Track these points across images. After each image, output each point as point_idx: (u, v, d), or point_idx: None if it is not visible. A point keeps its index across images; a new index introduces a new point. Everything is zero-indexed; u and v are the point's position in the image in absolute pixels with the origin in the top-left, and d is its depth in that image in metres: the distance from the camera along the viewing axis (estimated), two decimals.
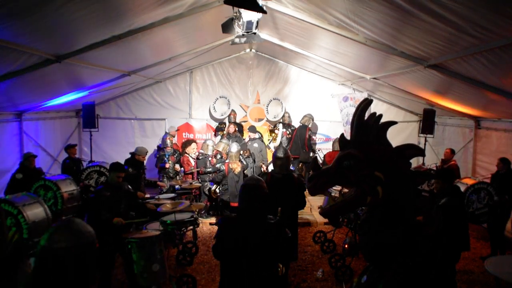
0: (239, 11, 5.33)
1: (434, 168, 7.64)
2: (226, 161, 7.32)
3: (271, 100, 10.39)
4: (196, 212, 5.92)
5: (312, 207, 8.22)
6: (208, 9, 5.60)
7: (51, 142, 8.57)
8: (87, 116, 8.41)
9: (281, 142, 9.46)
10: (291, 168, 6.24)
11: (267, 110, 10.34)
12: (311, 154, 9.48)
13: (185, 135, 10.23)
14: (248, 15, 5.23)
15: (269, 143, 10.02)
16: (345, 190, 5.39)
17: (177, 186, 7.49)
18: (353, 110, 8.52)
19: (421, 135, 8.67)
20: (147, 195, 6.78)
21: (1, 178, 6.78)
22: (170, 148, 8.14)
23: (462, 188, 5.42)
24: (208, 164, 7.90)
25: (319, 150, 9.80)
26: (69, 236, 1.60)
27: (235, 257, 2.75)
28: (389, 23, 4.57)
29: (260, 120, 10.50)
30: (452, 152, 7.56)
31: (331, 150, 8.87)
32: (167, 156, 8.02)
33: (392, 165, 2.09)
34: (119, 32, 5.15)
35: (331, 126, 10.33)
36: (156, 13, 5.03)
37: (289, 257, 3.17)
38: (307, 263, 5.85)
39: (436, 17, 3.69)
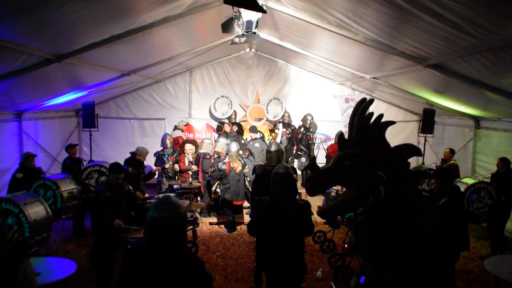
0: (238, 10, 5.33)
1: (434, 168, 7.65)
2: (226, 160, 7.32)
3: (271, 100, 10.39)
4: (198, 212, 5.91)
5: (312, 207, 8.21)
6: (208, 9, 5.59)
7: (50, 141, 8.56)
8: (87, 115, 8.40)
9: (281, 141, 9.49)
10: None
11: (267, 110, 10.34)
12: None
13: (185, 135, 10.22)
14: (248, 15, 5.23)
15: (269, 142, 10.02)
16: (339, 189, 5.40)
17: (175, 186, 7.48)
18: None
19: (421, 134, 8.67)
20: (146, 195, 6.79)
21: (0, 178, 6.78)
22: (169, 148, 8.13)
23: (462, 188, 5.42)
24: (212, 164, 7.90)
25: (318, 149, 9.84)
26: (169, 208, 2.16)
27: (269, 233, 3.35)
28: (389, 22, 4.57)
29: (260, 119, 10.50)
30: (452, 151, 7.56)
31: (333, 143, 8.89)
32: (166, 156, 8.02)
33: (392, 165, 2.09)
34: (119, 32, 5.15)
35: (331, 126, 10.33)
36: (155, 13, 5.03)
37: (312, 232, 3.79)
38: (307, 263, 5.84)
39: (436, 17, 3.69)
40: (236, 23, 5.68)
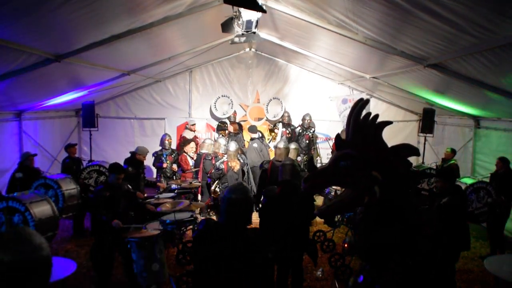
0: (238, 10, 5.33)
1: (434, 168, 7.65)
2: (224, 159, 7.34)
3: (271, 100, 10.38)
4: (198, 212, 5.91)
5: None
6: (208, 9, 5.59)
7: (50, 141, 8.56)
8: (87, 115, 8.40)
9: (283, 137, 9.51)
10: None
11: (266, 110, 10.33)
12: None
13: (187, 136, 10.22)
14: (247, 15, 5.23)
15: (269, 142, 10.02)
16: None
17: (173, 186, 7.47)
18: None
19: (421, 134, 8.68)
20: (145, 195, 6.79)
21: (0, 178, 6.78)
22: (168, 148, 8.15)
23: (462, 188, 5.42)
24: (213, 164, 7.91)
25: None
26: (240, 192, 2.64)
27: (278, 219, 3.69)
28: (389, 22, 4.57)
29: (259, 119, 10.49)
30: (453, 151, 7.56)
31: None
32: (164, 156, 8.02)
33: (388, 165, 2.09)
34: (119, 32, 5.15)
35: (331, 126, 10.33)
36: (155, 13, 5.03)
37: (313, 217, 4.34)
38: (306, 263, 5.84)
39: (436, 16, 3.69)
40: (236, 23, 5.68)
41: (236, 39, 6.10)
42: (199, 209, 6.95)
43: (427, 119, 8.26)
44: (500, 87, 5.13)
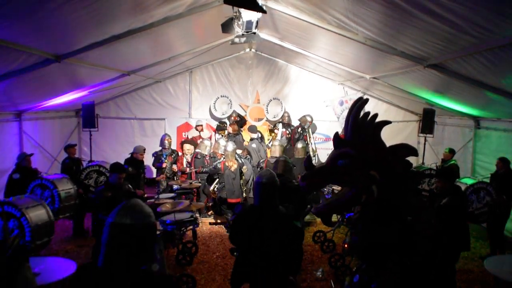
0: (238, 10, 5.33)
1: (434, 168, 7.65)
2: (222, 159, 7.37)
3: (271, 100, 10.39)
4: (197, 212, 5.92)
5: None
6: (208, 9, 5.60)
7: (50, 142, 8.56)
8: (87, 115, 8.40)
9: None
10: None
11: (266, 110, 10.34)
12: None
13: (184, 135, 10.24)
14: (247, 15, 5.23)
15: (269, 142, 10.04)
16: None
17: (175, 186, 7.48)
18: None
19: (421, 134, 8.67)
20: (146, 195, 6.79)
21: (0, 178, 6.77)
22: (167, 148, 8.15)
23: (461, 188, 5.42)
24: (205, 164, 7.92)
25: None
26: (267, 177, 3.28)
27: (251, 238, 3.54)
28: (389, 23, 4.57)
29: (259, 119, 10.50)
30: (452, 152, 7.56)
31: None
32: (164, 156, 8.03)
33: (386, 164, 2.09)
34: (119, 32, 5.15)
35: (331, 126, 10.33)
36: (155, 13, 5.03)
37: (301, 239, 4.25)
38: (306, 263, 5.85)
39: (435, 17, 3.69)
40: (236, 23, 5.68)
41: (236, 40, 6.11)
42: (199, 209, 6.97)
43: (427, 120, 8.26)
44: (500, 87, 5.13)
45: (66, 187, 6.11)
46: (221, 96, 10.33)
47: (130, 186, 5.00)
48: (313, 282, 5.26)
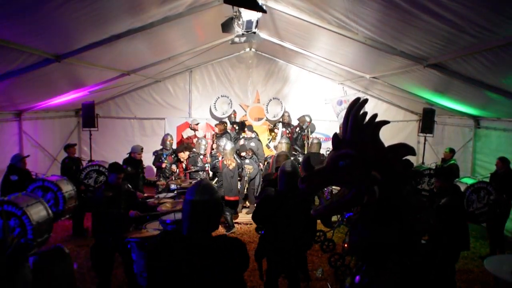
0: (238, 10, 5.33)
1: (434, 167, 7.65)
2: (220, 158, 7.40)
3: (270, 100, 10.38)
4: None
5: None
6: (208, 9, 5.60)
7: (50, 141, 8.56)
8: (87, 115, 8.40)
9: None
10: None
11: (266, 110, 10.34)
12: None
13: (184, 135, 10.23)
14: (247, 15, 5.23)
15: (269, 142, 10.04)
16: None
17: (172, 186, 7.47)
18: None
19: (421, 134, 8.68)
20: (145, 195, 6.78)
21: (0, 178, 6.76)
22: (169, 148, 8.15)
23: (461, 188, 5.42)
24: (199, 163, 7.93)
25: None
26: (209, 193, 2.55)
27: (276, 218, 3.71)
28: (389, 22, 4.57)
29: (259, 119, 10.49)
30: (451, 151, 7.57)
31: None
32: (164, 156, 8.03)
33: (386, 164, 2.09)
34: (119, 32, 5.15)
35: (331, 126, 10.33)
36: (155, 13, 5.03)
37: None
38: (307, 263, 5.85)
39: (435, 16, 3.69)
40: (236, 23, 5.68)
41: (236, 39, 6.10)
42: None
43: (427, 119, 8.26)
44: (500, 87, 5.13)
45: (68, 189, 6.08)
46: (222, 96, 10.34)
47: (129, 186, 4.99)
48: (313, 282, 5.26)
